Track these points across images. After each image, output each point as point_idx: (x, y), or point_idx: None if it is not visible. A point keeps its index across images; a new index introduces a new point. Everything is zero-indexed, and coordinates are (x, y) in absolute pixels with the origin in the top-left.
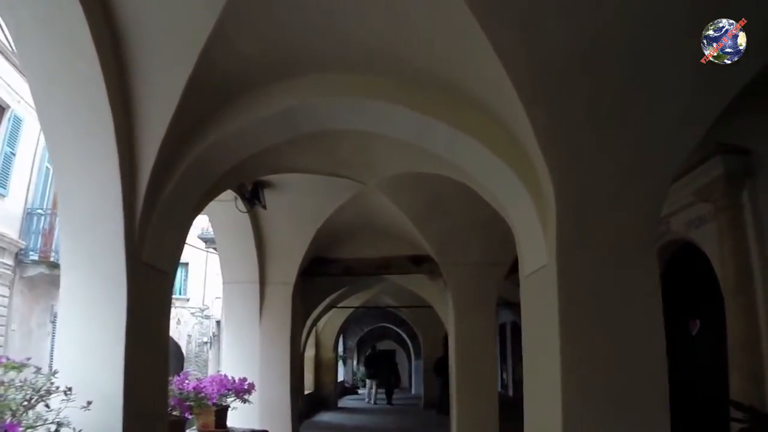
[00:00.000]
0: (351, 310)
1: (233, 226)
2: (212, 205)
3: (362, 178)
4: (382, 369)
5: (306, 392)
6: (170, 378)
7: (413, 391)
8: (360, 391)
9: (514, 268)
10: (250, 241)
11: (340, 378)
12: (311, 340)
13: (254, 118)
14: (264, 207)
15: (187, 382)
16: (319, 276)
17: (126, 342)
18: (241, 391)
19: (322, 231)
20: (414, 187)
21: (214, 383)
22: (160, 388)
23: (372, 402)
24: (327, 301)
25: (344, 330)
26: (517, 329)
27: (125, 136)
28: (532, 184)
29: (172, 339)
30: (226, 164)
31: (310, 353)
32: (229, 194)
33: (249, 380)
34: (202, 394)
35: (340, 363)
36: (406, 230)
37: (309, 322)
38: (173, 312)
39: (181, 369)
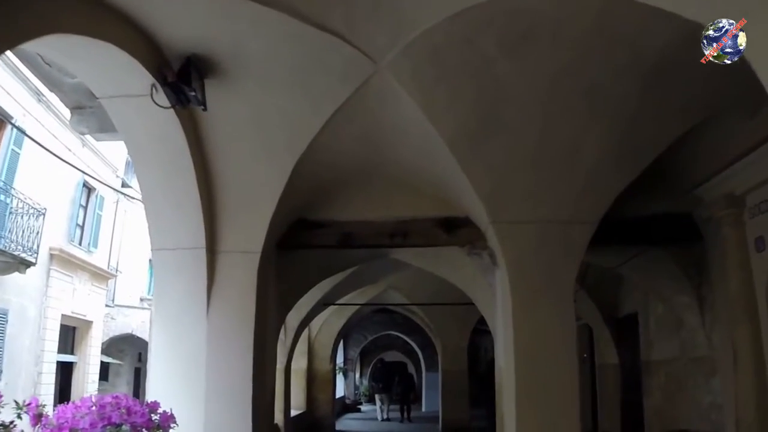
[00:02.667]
0: (351, 311)
1: (157, 147)
2: (118, 105)
3: (368, 45)
4: (391, 383)
5: (295, 413)
6: None
7: (424, 408)
8: (363, 408)
9: (599, 233)
10: (189, 176)
11: (340, 393)
12: (302, 348)
13: None
14: (202, 105)
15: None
16: (304, 248)
17: None
18: (145, 425)
19: (304, 169)
20: (460, 74)
21: (90, 412)
22: None
23: (385, 417)
24: (319, 295)
25: (344, 337)
26: None
27: None
28: None
29: None
30: None
31: (300, 364)
32: (143, 84)
33: (165, 408)
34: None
35: (340, 376)
36: (436, 173)
37: (296, 323)
38: None
39: None
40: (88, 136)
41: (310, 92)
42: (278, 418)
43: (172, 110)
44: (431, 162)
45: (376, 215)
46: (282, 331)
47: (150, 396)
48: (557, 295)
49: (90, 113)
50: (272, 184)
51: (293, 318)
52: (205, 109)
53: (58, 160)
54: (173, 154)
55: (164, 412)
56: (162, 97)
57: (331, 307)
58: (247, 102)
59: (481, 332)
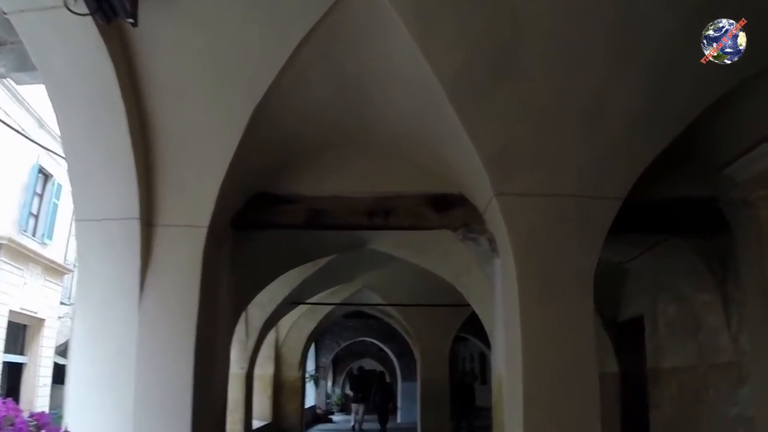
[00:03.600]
0: (322, 313)
1: (80, 84)
2: (30, 23)
3: None
4: (369, 392)
5: (258, 424)
6: None
7: (399, 419)
8: (335, 419)
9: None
10: (119, 124)
11: (312, 402)
12: (268, 353)
13: None
14: (131, 18)
15: None
16: (266, 228)
17: None
18: None
19: (265, 122)
20: None
21: None
22: None
23: (358, 428)
24: (286, 291)
25: (316, 343)
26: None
27: None
28: None
29: None
30: None
31: (266, 370)
32: None
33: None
34: None
35: (311, 384)
36: (430, 133)
37: (259, 323)
38: None
39: None
40: (46, 121)
41: (271, 11)
42: (236, 430)
43: (98, 35)
44: (425, 118)
45: (352, 189)
46: (243, 331)
47: (69, 402)
48: (575, 286)
49: (9, 50)
50: (224, 138)
51: (256, 317)
52: (135, 25)
53: (9, 138)
54: (100, 92)
55: (55, 427)
56: (78, 4)
57: (301, 308)
58: (191, 25)
59: (458, 339)
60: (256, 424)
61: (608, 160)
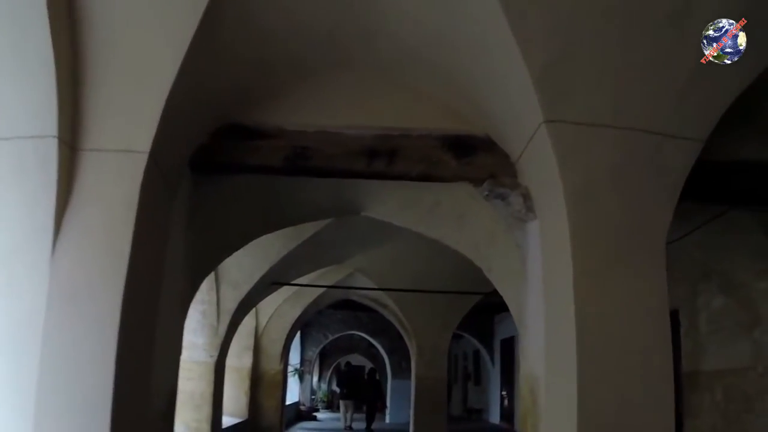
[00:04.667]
0: (308, 300)
1: None
2: None
3: None
4: (358, 388)
5: (231, 422)
6: None
7: (389, 420)
8: (320, 416)
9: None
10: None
11: (295, 398)
12: (246, 342)
13: None
14: None
15: None
16: (235, 172)
17: None
18: None
19: (230, 13)
20: None
21: None
22: None
23: (348, 424)
24: (265, 267)
25: (302, 334)
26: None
27: None
28: None
29: None
30: None
31: (243, 362)
32: None
33: None
34: None
35: (296, 378)
36: (455, 47)
37: (232, 304)
38: None
39: None
40: None
41: None
42: (202, 428)
43: None
44: (450, 21)
45: (347, 123)
46: (214, 314)
47: None
48: (645, 253)
49: None
50: (173, 32)
51: (229, 298)
52: None
53: None
54: None
55: None
56: None
57: (284, 294)
58: None
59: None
60: (229, 421)
61: (689, 88)
